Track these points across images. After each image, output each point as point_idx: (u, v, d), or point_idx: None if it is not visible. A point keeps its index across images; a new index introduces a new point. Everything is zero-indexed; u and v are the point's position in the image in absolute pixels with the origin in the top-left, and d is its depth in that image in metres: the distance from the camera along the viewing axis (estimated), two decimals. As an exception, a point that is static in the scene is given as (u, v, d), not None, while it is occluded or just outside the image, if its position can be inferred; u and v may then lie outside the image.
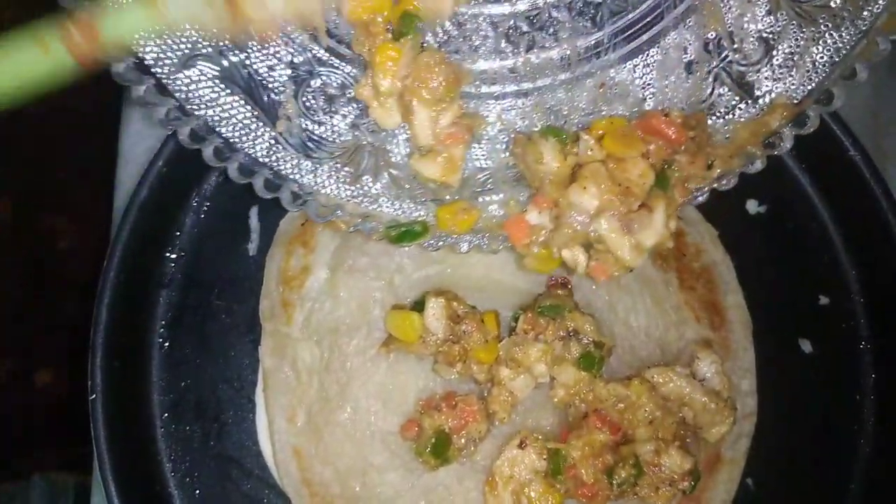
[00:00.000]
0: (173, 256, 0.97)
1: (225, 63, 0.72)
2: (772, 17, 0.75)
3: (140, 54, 0.69)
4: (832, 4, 0.73)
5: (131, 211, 0.91)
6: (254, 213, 0.98)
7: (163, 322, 0.96)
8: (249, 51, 0.73)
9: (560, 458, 0.84)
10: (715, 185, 0.80)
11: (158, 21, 0.67)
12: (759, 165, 0.79)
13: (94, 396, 0.87)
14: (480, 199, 0.81)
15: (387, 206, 0.80)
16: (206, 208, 0.98)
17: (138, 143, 1.06)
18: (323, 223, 0.81)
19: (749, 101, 0.78)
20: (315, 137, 0.77)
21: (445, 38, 0.75)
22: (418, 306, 0.87)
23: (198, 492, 0.93)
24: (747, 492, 0.94)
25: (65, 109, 1.22)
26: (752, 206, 0.99)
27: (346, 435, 0.90)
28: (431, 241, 0.81)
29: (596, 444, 0.85)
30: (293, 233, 0.95)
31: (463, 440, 0.87)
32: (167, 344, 0.95)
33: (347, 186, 0.79)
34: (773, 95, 0.77)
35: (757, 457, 0.94)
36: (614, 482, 0.84)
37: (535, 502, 0.85)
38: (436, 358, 0.87)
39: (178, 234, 0.97)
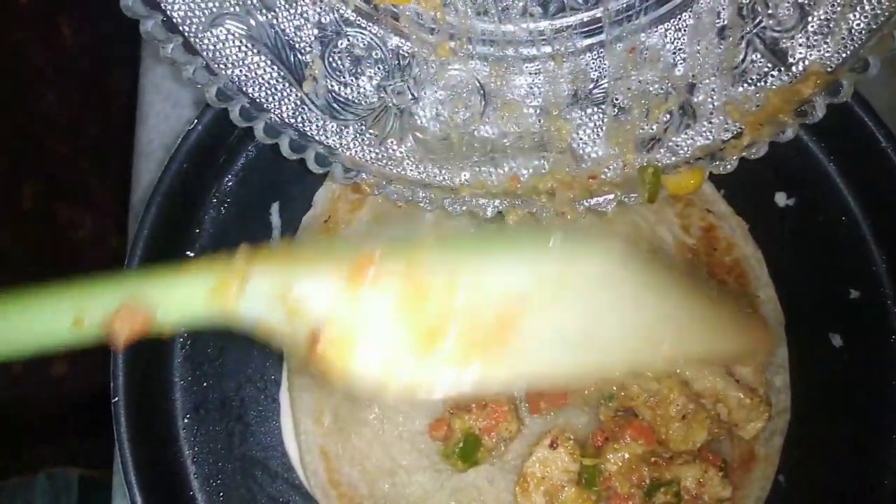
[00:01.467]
0: (193, 254, 0.94)
1: (252, 22, 0.73)
2: (809, -18, 0.73)
3: (168, 12, 0.70)
4: None
5: (151, 209, 0.89)
6: (275, 209, 0.96)
7: (184, 321, 0.94)
8: (277, 10, 0.73)
9: (596, 471, 0.83)
10: (744, 154, 0.79)
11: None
12: (790, 134, 0.78)
13: (116, 399, 0.85)
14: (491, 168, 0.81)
15: (411, 170, 0.80)
16: (225, 205, 0.96)
17: (155, 139, 1.04)
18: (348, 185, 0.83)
19: (782, 69, 0.77)
20: (341, 99, 0.77)
21: (475, -1, 0.74)
22: None
23: (222, 494, 0.91)
24: (779, 489, 0.93)
25: (82, 99, 1.20)
26: (781, 199, 0.98)
27: (373, 435, 0.88)
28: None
29: (633, 457, 0.84)
30: (316, 229, 0.93)
31: (493, 440, 0.86)
32: (189, 343, 0.93)
33: (372, 149, 0.80)
34: (806, 63, 0.76)
35: (788, 454, 0.92)
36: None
37: (568, 507, 0.84)
38: None
39: (198, 231, 0.95)
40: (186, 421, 0.92)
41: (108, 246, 1.13)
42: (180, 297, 0.59)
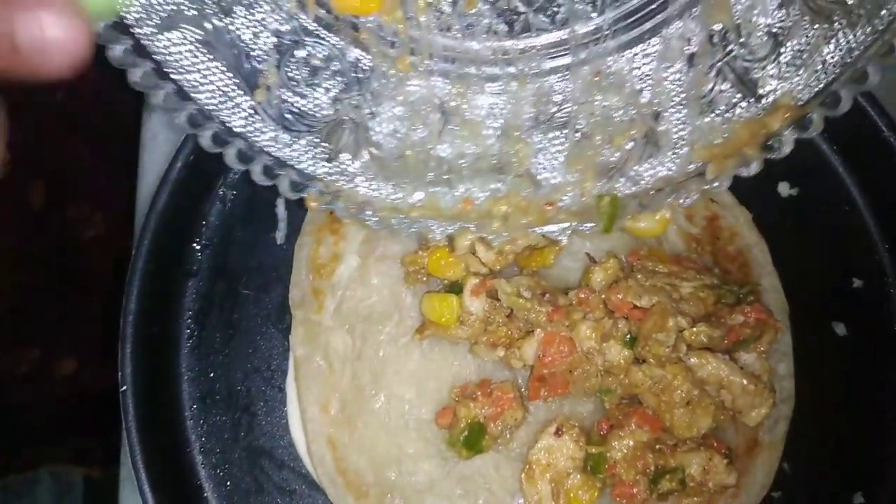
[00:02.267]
0: (200, 246, 0.95)
1: (208, 27, 0.69)
2: (783, 11, 0.70)
3: (122, 13, 0.65)
4: (849, 1, 0.68)
5: (158, 202, 0.90)
6: (280, 201, 0.97)
7: (190, 312, 0.95)
8: (234, 16, 0.69)
9: (602, 458, 0.84)
10: (706, 188, 0.77)
11: None
12: (754, 168, 0.75)
13: (124, 388, 0.86)
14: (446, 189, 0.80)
15: (363, 187, 0.78)
16: (231, 197, 0.97)
17: (160, 133, 1.05)
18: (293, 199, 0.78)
19: (751, 100, 0.74)
20: (295, 110, 0.74)
21: (438, 14, 0.72)
22: (455, 288, 0.86)
23: (229, 483, 0.92)
24: (784, 476, 0.93)
25: (88, 93, 1.21)
26: (784, 189, 0.98)
27: (380, 424, 0.89)
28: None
29: (638, 445, 0.84)
30: (322, 220, 0.94)
31: (499, 428, 0.87)
32: (196, 334, 0.94)
33: (324, 163, 0.77)
34: (777, 95, 0.73)
35: (793, 441, 0.93)
36: (656, 493, 0.84)
37: (574, 494, 0.84)
38: (475, 339, 0.86)
39: (205, 224, 0.96)
40: (193, 411, 0.93)
41: (116, 244, 1.13)
42: None
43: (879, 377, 0.94)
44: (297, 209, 0.96)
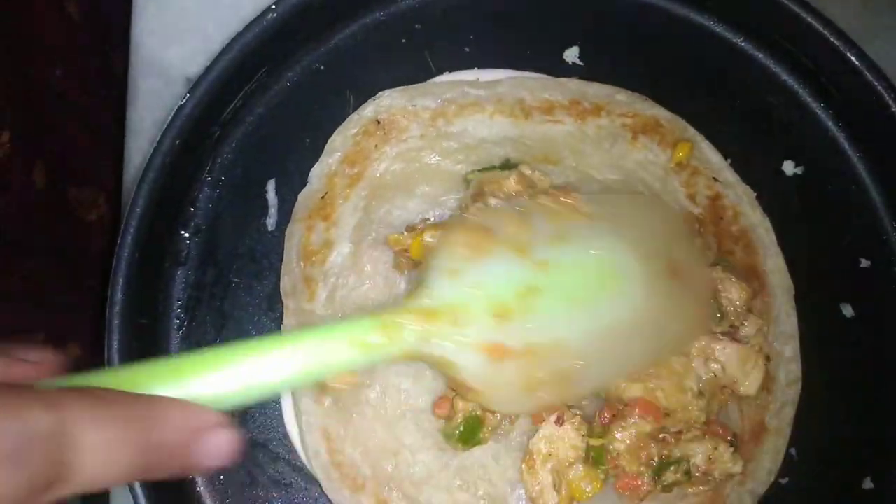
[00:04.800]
0: (189, 234, 0.92)
1: None
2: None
3: None
4: None
5: (143, 187, 0.86)
6: (271, 186, 0.94)
7: (179, 302, 0.92)
8: None
9: (604, 451, 0.82)
10: None
11: None
12: None
13: (112, 381, 0.83)
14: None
15: None
16: (220, 182, 0.93)
17: (147, 117, 1.02)
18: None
19: None
20: None
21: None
22: None
23: (222, 477, 0.90)
24: (791, 462, 0.91)
25: (79, 75, 1.18)
26: (789, 168, 0.96)
27: (375, 414, 0.86)
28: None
29: (641, 435, 0.82)
30: (313, 206, 0.91)
31: (498, 417, 0.84)
32: (185, 325, 0.91)
33: None
34: None
35: (800, 425, 0.91)
36: (660, 484, 0.82)
37: (576, 485, 0.82)
38: None
39: (193, 209, 0.93)
40: (184, 403, 0.90)
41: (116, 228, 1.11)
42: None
43: (888, 358, 0.92)
44: (289, 194, 0.94)
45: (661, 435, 0.84)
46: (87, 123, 1.28)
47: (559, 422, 0.83)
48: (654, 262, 0.79)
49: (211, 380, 0.59)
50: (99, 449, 0.47)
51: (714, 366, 0.84)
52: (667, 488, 0.82)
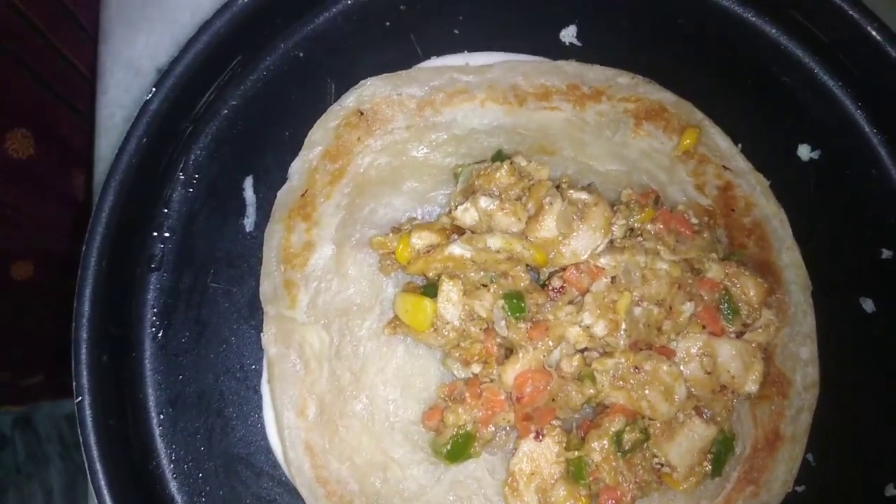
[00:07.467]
0: (162, 236, 0.87)
1: None
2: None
3: None
4: None
5: (110, 187, 0.80)
6: (248, 184, 0.88)
7: (154, 309, 0.86)
8: None
9: (582, 462, 0.76)
10: None
11: None
12: None
13: (80, 399, 0.77)
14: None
15: None
16: (194, 181, 0.87)
17: (116, 112, 0.96)
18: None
19: None
20: None
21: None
22: (430, 290, 0.78)
23: (203, 495, 0.84)
24: (808, 468, 0.85)
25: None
26: (805, 152, 0.89)
27: (362, 427, 0.81)
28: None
29: (617, 432, 0.77)
30: (293, 205, 0.85)
31: (490, 431, 0.79)
32: (161, 334, 0.86)
33: None
34: None
35: (817, 430, 0.85)
36: (624, 456, 0.77)
37: None
38: (447, 352, 0.79)
39: (166, 210, 0.87)
40: (161, 418, 0.85)
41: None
42: None
43: (912, 357, 0.86)
44: (268, 192, 0.88)
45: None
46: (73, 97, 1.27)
47: (538, 437, 0.78)
48: None
49: None
50: None
51: (707, 365, 0.78)
52: (646, 483, 0.77)
